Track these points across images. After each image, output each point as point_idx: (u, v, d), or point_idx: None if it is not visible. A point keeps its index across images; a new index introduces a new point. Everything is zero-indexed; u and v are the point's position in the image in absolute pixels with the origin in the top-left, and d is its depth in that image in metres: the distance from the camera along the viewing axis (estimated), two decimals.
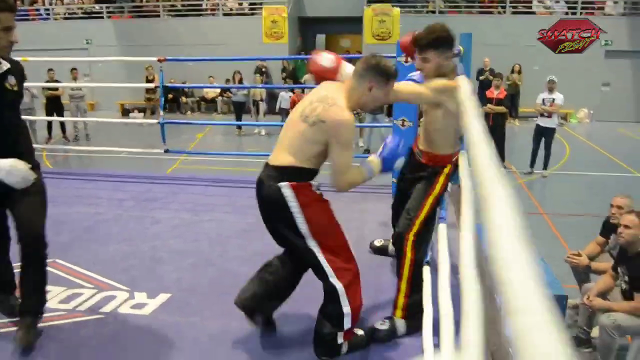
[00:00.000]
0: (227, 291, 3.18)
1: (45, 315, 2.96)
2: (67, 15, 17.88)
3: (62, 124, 12.52)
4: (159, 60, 5.38)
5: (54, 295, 3.18)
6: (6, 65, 2.62)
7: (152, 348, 2.68)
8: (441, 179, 2.92)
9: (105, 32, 16.77)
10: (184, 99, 15.80)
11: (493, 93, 9.75)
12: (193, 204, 4.72)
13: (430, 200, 2.88)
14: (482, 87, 12.73)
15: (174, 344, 2.71)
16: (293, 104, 12.18)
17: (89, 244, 3.89)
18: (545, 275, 4.40)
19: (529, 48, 14.42)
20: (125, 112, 16.09)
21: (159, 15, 16.96)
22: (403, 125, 4.64)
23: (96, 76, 15.47)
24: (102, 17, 17.29)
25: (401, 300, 2.79)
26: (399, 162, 2.66)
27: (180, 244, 3.84)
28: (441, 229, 2.86)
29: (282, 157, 2.55)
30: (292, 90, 12.78)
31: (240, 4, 16.75)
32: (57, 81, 11.79)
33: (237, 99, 13.17)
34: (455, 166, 3.00)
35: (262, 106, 13.43)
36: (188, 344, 2.71)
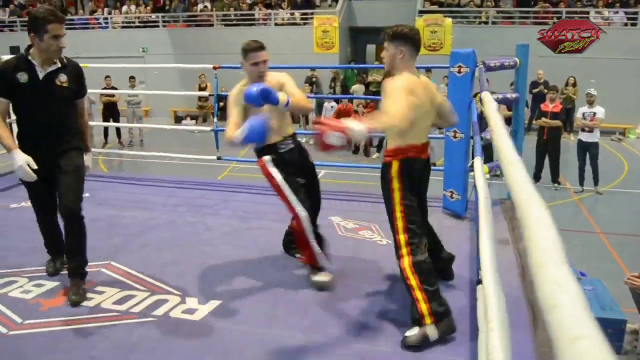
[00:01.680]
0: (277, 300, 3.21)
1: (100, 315, 3.06)
2: (124, 24, 18.46)
3: (118, 130, 12.91)
4: (214, 68, 5.48)
5: (109, 296, 3.27)
6: (56, 65, 3.15)
7: (202, 354, 2.71)
8: (394, 180, 2.94)
9: (160, 41, 17.22)
10: None
11: (548, 106, 9.51)
12: (243, 211, 4.77)
13: (397, 210, 2.92)
14: (536, 100, 12.44)
15: (223, 350, 2.74)
16: (338, 114, 12.19)
17: (142, 248, 3.98)
18: (602, 298, 4.24)
19: (586, 60, 14.04)
20: (178, 119, 16.45)
21: (212, 25, 17.31)
22: (455, 137, 4.58)
23: (150, 83, 15.88)
24: (157, 26, 17.78)
25: (424, 307, 2.76)
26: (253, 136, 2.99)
27: (230, 250, 3.88)
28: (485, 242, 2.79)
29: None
30: (337, 100, 12.81)
31: (292, 14, 16.93)
32: (114, 88, 12.18)
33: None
34: (407, 161, 2.96)
35: (311, 116, 13.51)
36: (236, 351, 2.74)
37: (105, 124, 12.00)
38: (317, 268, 3.39)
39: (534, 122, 10.59)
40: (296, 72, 14.34)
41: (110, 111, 12.60)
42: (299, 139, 3.59)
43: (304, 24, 16.67)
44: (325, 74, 15.47)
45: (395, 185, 2.95)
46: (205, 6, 18.02)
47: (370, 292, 3.33)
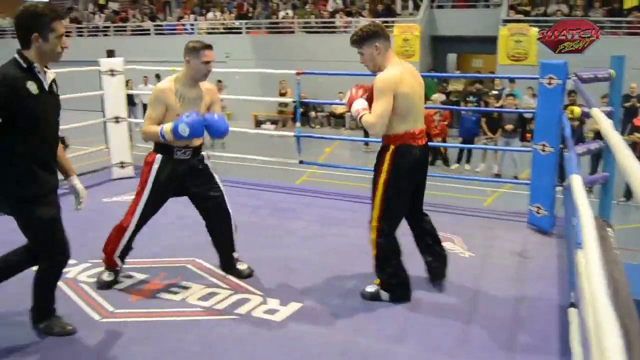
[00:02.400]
0: (356, 307, 3.21)
1: (185, 309, 3.17)
2: (209, 30, 19.09)
3: None
4: (297, 74, 5.56)
5: (194, 292, 3.37)
6: (53, 74, 2.75)
7: (282, 355, 2.75)
8: (385, 163, 3.13)
9: (243, 47, 17.67)
10: (313, 113, 16.22)
11: None
12: (323, 217, 4.80)
13: (380, 186, 3.15)
14: (628, 115, 11.81)
15: (302, 354, 2.76)
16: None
17: None
18: None
19: None
20: (258, 123, 16.82)
21: (293, 32, 17.60)
22: (543, 150, 4.42)
23: (232, 88, 16.31)
24: (240, 33, 18.26)
25: (376, 273, 3.29)
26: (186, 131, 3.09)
27: (311, 255, 3.92)
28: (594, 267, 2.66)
29: None
30: None
31: (373, 22, 16.93)
32: None
33: None
34: (403, 147, 3.12)
35: None
36: (315, 356, 2.75)
37: None
38: (110, 266, 3.48)
39: (625, 137, 10.08)
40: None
41: None
42: (203, 155, 3.51)
43: None
44: None
45: (385, 167, 3.14)
46: (287, 13, 18.35)
47: (451, 306, 3.26)
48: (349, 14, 17.55)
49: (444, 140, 11.32)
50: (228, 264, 3.64)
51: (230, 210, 3.55)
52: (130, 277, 3.58)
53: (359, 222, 4.57)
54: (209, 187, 3.48)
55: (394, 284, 3.27)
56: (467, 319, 3.11)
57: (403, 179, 3.16)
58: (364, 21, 16.99)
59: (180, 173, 3.37)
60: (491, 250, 4.12)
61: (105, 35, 20.41)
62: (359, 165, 10.36)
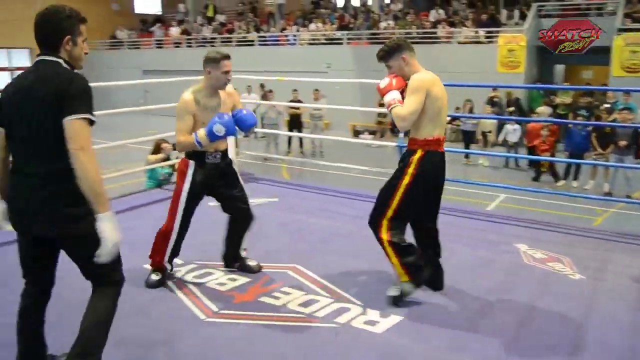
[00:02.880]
0: (459, 324, 3.11)
1: (286, 314, 3.21)
2: (310, 41, 19.44)
3: (301, 140, 13.62)
4: None
5: (294, 298, 3.42)
6: None
7: None
8: (411, 166, 3.20)
9: (343, 57, 17.84)
10: None
11: None
12: None
13: (402, 187, 3.22)
14: None
15: None
16: (528, 135, 11.53)
17: (325, 255, 4.12)
18: None
19: None
20: (356, 133, 16.88)
21: None
22: None
23: (332, 98, 16.50)
24: (341, 44, 18.45)
25: (399, 269, 3.28)
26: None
27: None
28: None
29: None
30: (519, 122, 12.17)
31: (476, 32, 16.54)
32: (299, 101, 12.89)
33: (466, 128, 12.98)
34: (430, 153, 3.21)
35: (491, 137, 13.05)
36: None
37: (290, 133, 12.70)
38: (157, 268, 3.62)
39: None
40: (476, 92, 13.96)
41: (295, 122, 13.35)
42: (230, 158, 3.73)
43: (489, 42, 16.18)
44: (504, 95, 14.82)
45: (411, 171, 3.21)
46: (389, 24, 18.33)
47: (559, 331, 3.09)
48: (452, 24, 17.24)
49: (552, 156, 10.81)
50: (234, 258, 3.85)
51: (251, 210, 3.76)
52: (234, 279, 3.70)
53: (466, 238, 4.48)
54: (234, 187, 3.70)
55: (416, 271, 3.33)
56: (576, 345, 2.93)
57: (426, 185, 3.27)
58: (466, 31, 16.64)
59: (212, 175, 3.59)
60: (604, 274, 3.87)
61: (212, 45, 21.32)
62: (459, 177, 10.16)
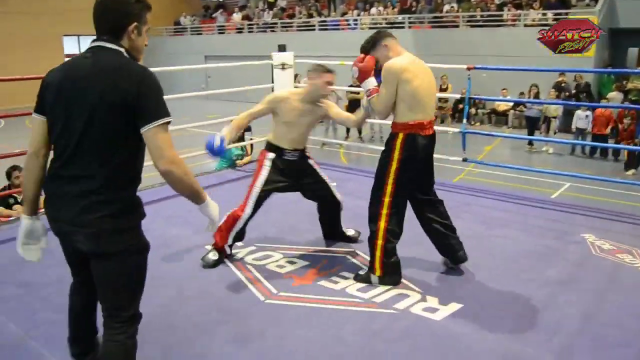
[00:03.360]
0: (521, 314, 3.04)
1: (345, 299, 3.22)
2: (371, 26, 19.25)
3: None
4: (468, 69, 5.40)
5: (353, 282, 3.43)
6: None
7: (440, 354, 2.69)
8: (396, 151, 3.26)
9: (404, 41, 17.34)
10: (473, 110, 15.72)
11: None
12: (486, 217, 4.62)
13: (390, 180, 3.30)
14: None
15: (461, 355, 2.67)
16: (595, 122, 11.11)
17: None
18: None
19: None
20: None
21: (457, 26, 17.14)
22: None
23: None
24: (403, 27, 18.18)
25: (377, 263, 3.38)
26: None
27: (473, 255, 3.77)
28: None
29: None
30: (592, 108, 11.67)
31: (544, 14, 15.93)
32: (359, 85, 12.79)
33: (530, 114, 12.59)
34: (412, 135, 3.24)
35: (554, 123, 12.61)
36: (475, 358, 2.65)
37: None
38: (218, 249, 3.70)
39: None
40: (542, 76, 13.49)
41: (354, 107, 13.26)
42: (308, 156, 3.87)
43: None
44: (571, 80, 14.25)
45: (396, 156, 3.27)
46: (452, 7, 17.91)
47: (627, 324, 2.96)
48: (519, 6, 16.66)
49: (630, 143, 10.32)
50: (334, 233, 4.10)
51: (337, 196, 3.94)
52: (293, 262, 3.73)
53: (530, 227, 4.37)
54: (315, 180, 3.87)
55: (391, 271, 3.40)
56: None
57: (413, 167, 3.32)
58: (533, 14, 16.05)
59: (289, 171, 3.75)
60: None
61: (273, 31, 21.46)
62: (522, 165, 9.89)
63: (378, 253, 3.38)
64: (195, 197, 2.10)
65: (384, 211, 3.35)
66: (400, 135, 3.27)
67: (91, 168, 1.94)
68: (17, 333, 2.87)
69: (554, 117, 12.64)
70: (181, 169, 1.96)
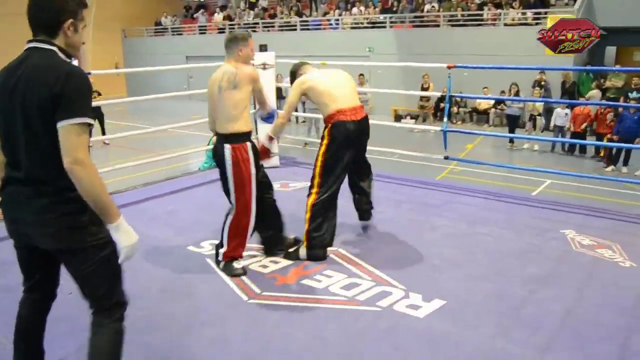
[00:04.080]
0: (503, 311, 3.06)
1: (328, 297, 3.22)
2: (353, 25, 19.28)
3: None
4: (448, 67, 5.42)
5: (336, 281, 3.43)
6: None
7: (426, 352, 2.69)
8: (325, 138, 3.76)
9: (386, 41, 17.61)
10: (455, 108, 15.81)
11: None
12: (469, 215, 4.64)
13: (320, 156, 3.75)
14: None
15: (446, 353, 2.68)
16: (574, 119, 11.26)
17: (368, 240, 4.10)
18: None
19: None
20: (398, 118, 16.72)
21: (438, 25, 17.22)
22: None
23: (374, 82, 16.35)
24: (384, 27, 18.22)
25: (304, 236, 3.76)
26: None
27: (456, 253, 3.81)
28: None
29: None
30: (570, 106, 11.79)
31: (524, 13, 16.07)
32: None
33: (512, 112, 12.68)
34: (337, 123, 3.71)
35: (540, 121, 12.72)
36: (462, 356, 2.66)
37: None
38: (238, 257, 3.61)
39: None
40: (522, 75, 13.61)
41: None
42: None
43: (536, 24, 15.72)
44: (555, 78, 14.40)
45: (324, 142, 3.75)
46: (433, 7, 18.00)
47: (609, 318, 2.99)
48: (498, 5, 16.79)
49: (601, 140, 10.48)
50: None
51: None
52: (276, 262, 3.72)
53: (512, 224, 4.40)
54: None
55: (317, 244, 3.75)
56: (627, 334, 2.84)
57: (339, 149, 3.71)
58: (513, 13, 16.20)
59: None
60: None
61: (254, 31, 21.40)
62: (505, 163, 9.97)
63: (306, 226, 3.74)
64: (105, 212, 1.95)
65: (314, 190, 3.74)
66: (329, 125, 3.75)
67: (39, 170, 1.95)
68: None
69: (539, 115, 12.74)
70: (87, 170, 1.88)
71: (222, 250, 3.59)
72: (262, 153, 3.75)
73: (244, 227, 3.55)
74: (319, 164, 3.74)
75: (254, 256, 3.81)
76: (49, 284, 2.24)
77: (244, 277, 3.49)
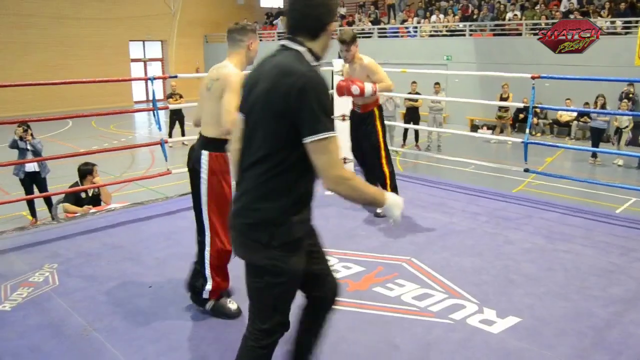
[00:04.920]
0: (583, 332, 2.94)
1: (400, 306, 3.20)
2: (431, 33, 19.06)
3: (417, 133, 13.40)
4: (533, 77, 5.26)
5: (409, 291, 3.40)
6: None
7: None
8: (377, 120, 4.69)
9: (465, 49, 17.31)
10: (535, 120, 15.30)
11: None
12: (548, 230, 4.47)
13: (381, 138, 4.68)
14: None
15: None
16: None
17: (442, 250, 4.03)
18: None
19: None
20: (474, 128, 16.38)
21: (520, 34, 16.74)
22: None
23: (450, 91, 16.09)
24: (464, 35, 17.91)
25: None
26: None
27: (533, 269, 3.68)
28: None
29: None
30: None
31: (613, 22, 15.37)
32: (417, 93, 12.71)
33: (597, 125, 12.14)
34: (379, 107, 4.80)
35: (626, 135, 12.11)
36: None
37: (406, 125, 12.51)
38: (223, 294, 3.14)
39: None
40: (608, 86, 12.99)
41: (412, 115, 13.15)
42: None
43: (626, 33, 14.98)
44: None
45: (378, 124, 4.76)
46: (515, 14, 17.52)
47: None
48: (585, 14, 16.14)
49: None
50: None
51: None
52: (348, 267, 3.73)
53: (594, 242, 4.21)
54: None
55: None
56: None
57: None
58: (601, 21, 15.50)
59: None
60: None
61: (332, 38, 21.54)
62: (587, 178, 9.54)
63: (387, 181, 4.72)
64: (375, 202, 1.98)
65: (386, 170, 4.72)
66: (375, 111, 4.68)
67: (255, 169, 1.88)
68: (80, 324, 2.98)
69: (625, 128, 12.14)
70: (351, 185, 1.86)
71: (207, 288, 3.05)
72: (343, 87, 4.53)
73: (226, 252, 3.02)
74: (382, 146, 4.71)
75: None
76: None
77: None
